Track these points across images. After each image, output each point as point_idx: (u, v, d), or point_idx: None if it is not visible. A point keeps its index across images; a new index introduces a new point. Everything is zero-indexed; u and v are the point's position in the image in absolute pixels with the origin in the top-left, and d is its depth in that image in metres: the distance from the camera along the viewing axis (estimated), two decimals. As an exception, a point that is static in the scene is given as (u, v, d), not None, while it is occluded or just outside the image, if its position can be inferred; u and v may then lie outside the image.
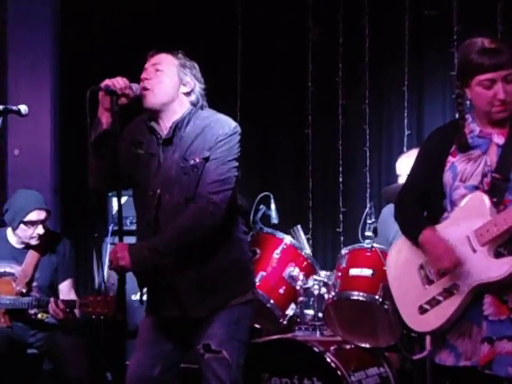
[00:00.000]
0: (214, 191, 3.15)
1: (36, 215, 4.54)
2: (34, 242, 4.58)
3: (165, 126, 3.27)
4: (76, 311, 4.47)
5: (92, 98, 3.11)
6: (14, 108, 3.30)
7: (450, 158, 3.03)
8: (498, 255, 2.91)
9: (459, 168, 3.00)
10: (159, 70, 3.26)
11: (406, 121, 5.73)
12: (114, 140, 3.17)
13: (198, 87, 3.30)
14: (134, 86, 3.24)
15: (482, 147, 3.00)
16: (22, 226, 4.54)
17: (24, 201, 4.59)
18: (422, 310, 3.03)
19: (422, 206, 3.14)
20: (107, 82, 3.18)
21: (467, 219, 2.95)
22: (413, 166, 3.22)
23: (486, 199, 2.92)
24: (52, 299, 4.38)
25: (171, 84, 3.26)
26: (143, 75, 3.28)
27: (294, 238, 4.47)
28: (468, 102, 3.06)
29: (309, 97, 6.01)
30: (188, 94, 3.28)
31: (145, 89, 3.24)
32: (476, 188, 2.96)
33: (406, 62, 5.74)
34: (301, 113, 6.03)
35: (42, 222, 4.55)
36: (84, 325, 4.68)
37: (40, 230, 4.55)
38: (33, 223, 4.53)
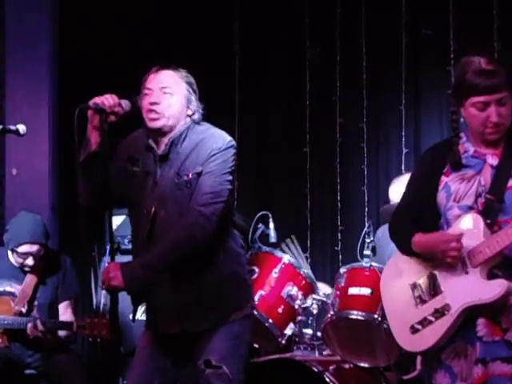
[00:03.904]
0: (204, 204, 3.13)
1: (27, 248, 4.51)
2: (26, 269, 4.57)
3: (162, 142, 3.26)
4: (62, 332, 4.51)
5: (81, 116, 3.08)
6: (13, 127, 3.29)
7: (444, 178, 3.01)
8: (492, 276, 2.89)
9: (453, 188, 2.98)
10: (167, 93, 3.22)
11: (403, 139, 5.75)
12: (103, 159, 3.15)
13: (198, 105, 3.30)
14: (124, 102, 3.20)
15: (475, 167, 2.98)
16: (14, 253, 4.53)
17: (19, 229, 4.56)
18: (414, 330, 3.01)
19: (417, 225, 3.12)
20: (96, 99, 3.15)
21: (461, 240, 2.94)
22: (407, 185, 3.21)
23: (480, 220, 2.90)
24: (30, 323, 4.35)
25: (180, 107, 3.23)
26: (151, 99, 3.21)
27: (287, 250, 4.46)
28: (462, 120, 3.04)
29: (307, 115, 6.02)
30: (192, 115, 3.27)
31: (155, 113, 3.19)
32: (470, 208, 2.94)
33: (403, 81, 5.76)
34: (299, 131, 6.04)
35: (33, 254, 4.52)
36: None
37: (30, 261, 4.52)
38: (24, 254, 4.51)
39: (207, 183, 3.15)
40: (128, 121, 3.25)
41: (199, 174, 3.16)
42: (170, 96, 3.22)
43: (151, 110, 3.20)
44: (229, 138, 3.25)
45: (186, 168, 3.19)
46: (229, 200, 3.21)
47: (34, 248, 4.52)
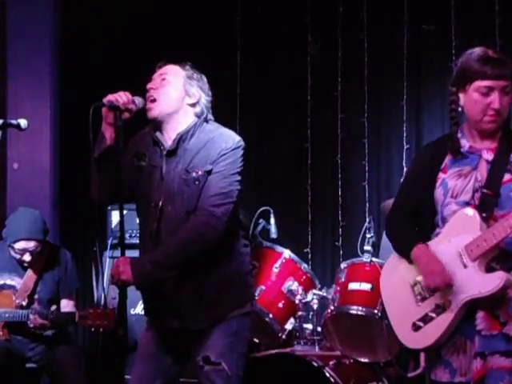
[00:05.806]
0: (215, 204, 3.15)
1: (24, 244, 4.52)
2: (24, 264, 4.58)
3: (169, 136, 3.27)
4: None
5: (95, 112, 3.11)
6: (14, 122, 3.29)
7: (441, 175, 3.04)
8: (489, 270, 2.91)
9: (450, 184, 3.00)
10: (165, 79, 3.27)
11: (404, 135, 5.74)
12: (117, 155, 3.18)
13: (204, 99, 3.31)
14: (137, 99, 3.23)
15: (471, 163, 3.01)
16: (12, 249, 4.53)
17: (16, 225, 4.56)
18: (416, 327, 3.03)
19: (414, 222, 3.13)
20: (110, 97, 3.18)
21: (458, 235, 2.96)
22: (403, 182, 3.25)
23: (476, 215, 2.92)
24: (31, 316, 4.37)
25: (176, 94, 3.26)
26: (149, 85, 3.28)
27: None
28: (460, 110, 3.04)
29: (308, 111, 6.01)
30: (193, 105, 3.28)
31: (150, 98, 3.25)
32: (467, 204, 2.97)
33: (404, 76, 5.75)
34: (300, 127, 6.04)
35: (30, 250, 4.52)
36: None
37: (27, 257, 4.53)
38: (21, 250, 4.52)
39: (217, 184, 3.17)
40: (141, 118, 3.28)
41: (209, 173, 3.18)
42: (167, 83, 3.26)
43: (149, 96, 3.24)
44: (238, 137, 3.27)
45: (195, 165, 3.20)
46: (237, 201, 3.23)
47: (31, 244, 4.52)
